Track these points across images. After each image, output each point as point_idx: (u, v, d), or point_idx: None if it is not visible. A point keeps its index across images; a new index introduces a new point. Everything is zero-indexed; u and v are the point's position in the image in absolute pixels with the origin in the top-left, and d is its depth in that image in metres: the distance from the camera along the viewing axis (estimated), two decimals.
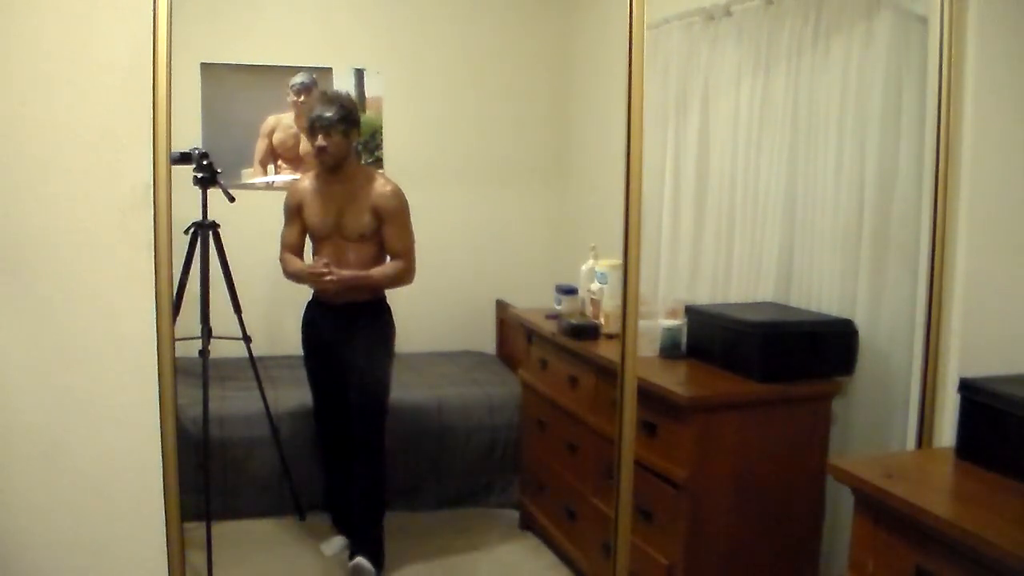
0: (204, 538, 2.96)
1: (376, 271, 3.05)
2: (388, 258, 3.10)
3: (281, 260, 3.14)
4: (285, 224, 3.15)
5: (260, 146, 4.36)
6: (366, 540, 3.10)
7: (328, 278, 2.96)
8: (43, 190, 1.85)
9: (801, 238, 2.76)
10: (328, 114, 2.93)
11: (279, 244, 3.17)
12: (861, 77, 2.52)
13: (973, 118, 2.14)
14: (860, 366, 2.53)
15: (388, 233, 3.03)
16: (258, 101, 4.33)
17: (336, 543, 3.28)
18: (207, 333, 3.13)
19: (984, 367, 2.03)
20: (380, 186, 3.03)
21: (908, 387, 2.36)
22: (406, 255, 3.06)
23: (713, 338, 2.62)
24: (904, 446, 2.39)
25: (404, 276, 3.08)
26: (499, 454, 3.78)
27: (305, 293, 3.20)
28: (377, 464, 3.11)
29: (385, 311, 3.16)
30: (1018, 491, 1.70)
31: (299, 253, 3.15)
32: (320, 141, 2.94)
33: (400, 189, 3.06)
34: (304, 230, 3.12)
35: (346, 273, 2.99)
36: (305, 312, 3.20)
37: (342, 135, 2.95)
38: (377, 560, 3.09)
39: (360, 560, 3.04)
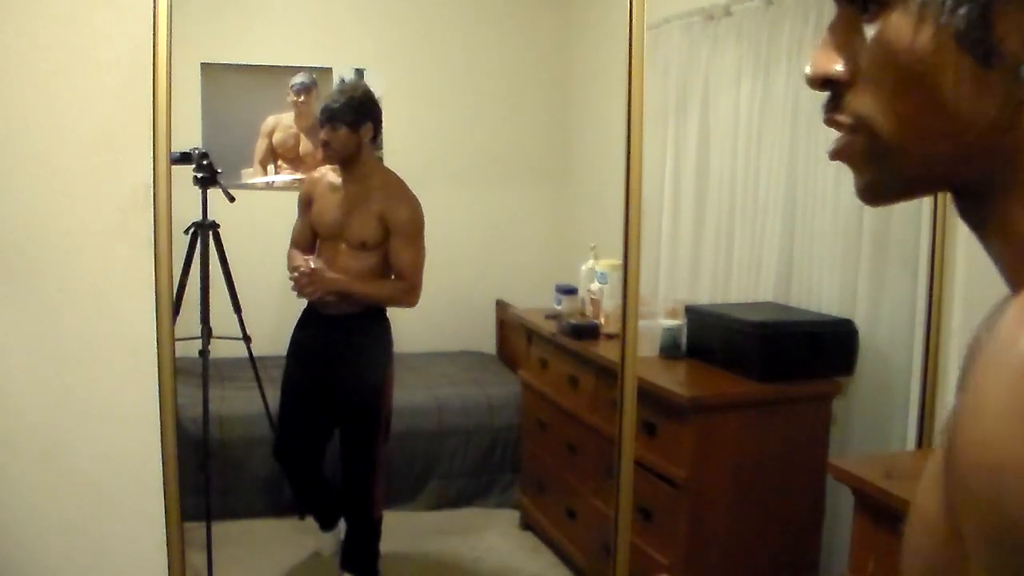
0: (204, 538, 2.95)
1: (369, 283, 2.81)
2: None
3: (288, 255, 2.99)
4: (297, 217, 3.01)
5: (260, 146, 4.36)
6: (355, 558, 3.00)
7: (305, 280, 2.72)
8: (43, 190, 1.86)
9: (801, 238, 2.76)
10: (333, 105, 2.71)
11: (285, 243, 3.07)
12: None
13: None
14: (860, 366, 2.53)
15: (394, 246, 2.79)
16: (258, 101, 4.32)
17: (330, 540, 3.26)
18: (207, 333, 3.12)
19: None
20: (395, 193, 2.80)
21: (908, 387, 2.36)
22: (410, 275, 2.80)
23: (713, 338, 2.62)
24: (904, 446, 2.39)
25: (403, 297, 2.83)
26: (499, 454, 3.78)
27: None
28: (364, 491, 2.90)
29: (381, 326, 2.91)
30: None
31: (306, 249, 2.95)
32: (323, 135, 2.74)
33: (417, 201, 2.81)
34: (311, 227, 2.96)
35: (331, 276, 2.75)
36: (299, 319, 3.01)
37: (348, 128, 2.71)
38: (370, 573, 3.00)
39: None
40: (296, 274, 2.76)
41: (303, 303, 3.12)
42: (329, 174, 2.93)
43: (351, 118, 2.72)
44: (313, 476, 3.09)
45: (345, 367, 2.87)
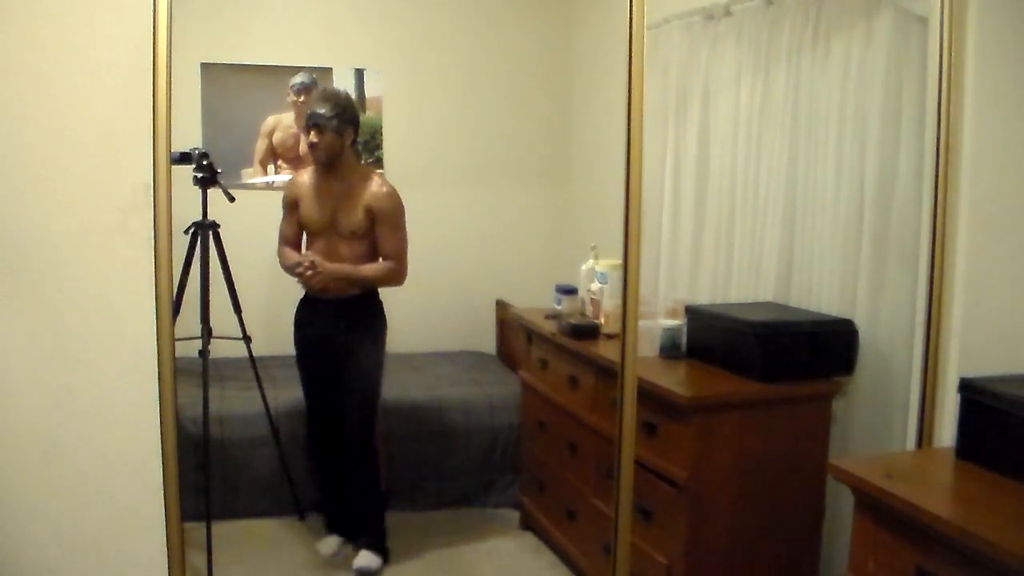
0: (204, 538, 2.96)
1: (364, 267, 3.07)
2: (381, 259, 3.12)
3: (279, 253, 3.18)
4: (283, 217, 3.18)
5: (260, 146, 4.36)
6: (369, 534, 3.18)
7: (310, 272, 2.99)
8: (43, 190, 1.86)
9: (801, 238, 2.76)
10: (321, 111, 2.95)
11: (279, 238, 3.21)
12: (861, 77, 2.52)
13: (973, 118, 2.14)
14: (860, 366, 2.53)
15: (380, 234, 3.05)
16: (258, 101, 4.32)
17: (332, 542, 3.28)
18: (207, 333, 3.13)
19: (984, 367, 2.03)
20: (375, 186, 3.05)
21: (908, 387, 2.36)
22: (397, 257, 3.08)
23: (713, 338, 2.62)
24: (904, 446, 2.38)
25: (393, 277, 3.09)
26: (499, 454, 3.78)
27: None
28: (370, 460, 3.15)
29: (376, 306, 3.17)
30: (1018, 491, 1.70)
31: (296, 246, 3.17)
32: (312, 138, 2.97)
33: (395, 191, 3.08)
34: (300, 224, 3.15)
35: (331, 266, 3.01)
36: (297, 309, 3.21)
37: (334, 133, 2.96)
38: (381, 550, 3.17)
39: (365, 553, 3.13)
40: (300, 269, 3.01)
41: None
42: (311, 175, 3.14)
43: (335, 124, 2.97)
44: (339, 462, 3.23)
45: (348, 345, 3.09)
